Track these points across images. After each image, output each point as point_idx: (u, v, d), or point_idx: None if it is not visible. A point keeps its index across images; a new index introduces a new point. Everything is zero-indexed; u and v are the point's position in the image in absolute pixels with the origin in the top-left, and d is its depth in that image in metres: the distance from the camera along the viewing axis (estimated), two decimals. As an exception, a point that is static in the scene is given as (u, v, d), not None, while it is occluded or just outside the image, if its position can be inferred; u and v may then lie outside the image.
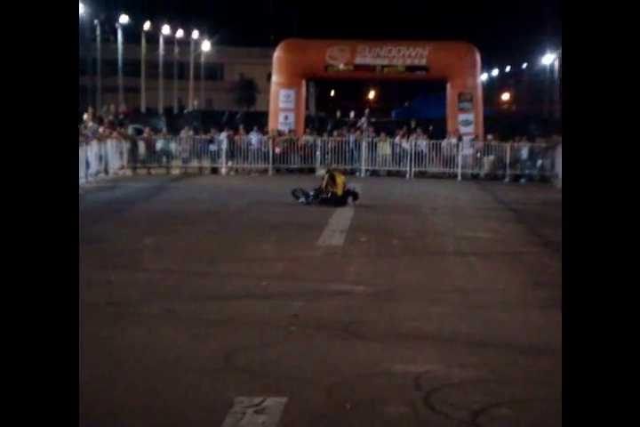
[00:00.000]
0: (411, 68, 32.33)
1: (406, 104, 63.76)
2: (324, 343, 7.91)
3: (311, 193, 20.24)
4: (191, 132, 31.50)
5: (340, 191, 20.18)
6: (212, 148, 30.45)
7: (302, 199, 20.18)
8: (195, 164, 30.92)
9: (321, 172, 21.70)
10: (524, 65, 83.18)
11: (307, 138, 31.21)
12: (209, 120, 37.28)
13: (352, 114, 36.14)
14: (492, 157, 29.59)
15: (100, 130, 29.33)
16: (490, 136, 30.15)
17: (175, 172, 30.33)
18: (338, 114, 39.24)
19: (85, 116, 31.91)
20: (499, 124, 33.37)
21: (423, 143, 30.18)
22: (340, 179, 20.51)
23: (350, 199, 20.21)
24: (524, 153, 29.36)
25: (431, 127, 33.00)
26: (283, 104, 32.65)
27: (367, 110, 40.07)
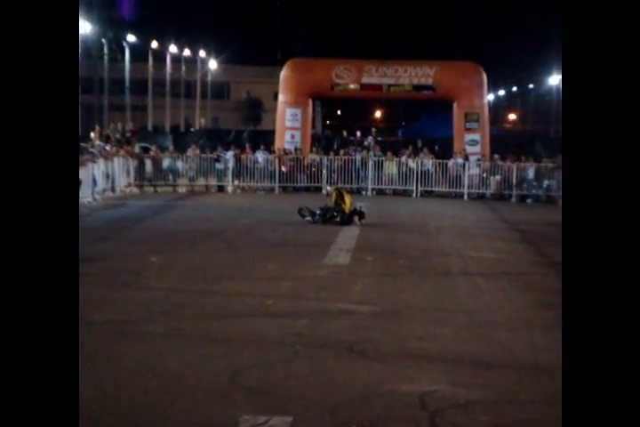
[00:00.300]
0: (417, 88, 32.44)
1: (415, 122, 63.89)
2: (330, 363, 7.91)
3: (317, 211, 20.27)
4: (198, 151, 31.59)
5: (347, 210, 20.21)
6: (219, 166, 30.53)
7: (308, 217, 20.20)
8: (201, 182, 31.00)
9: (328, 189, 21.74)
10: (531, 85, 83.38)
11: (313, 157, 31.28)
12: (215, 138, 37.45)
13: (358, 133, 36.25)
14: (498, 177, 29.62)
15: (107, 148, 29.44)
16: (497, 156, 30.18)
17: (182, 190, 30.39)
18: (344, 133, 39.36)
19: (92, 135, 32.04)
20: (505, 144, 33.46)
21: (429, 163, 30.22)
22: (348, 198, 20.56)
23: (356, 218, 20.23)
24: (531, 173, 29.38)
25: (437, 147, 33.10)
26: (289, 123, 32.76)
27: (374, 129, 40.21)
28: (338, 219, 20.00)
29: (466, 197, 29.44)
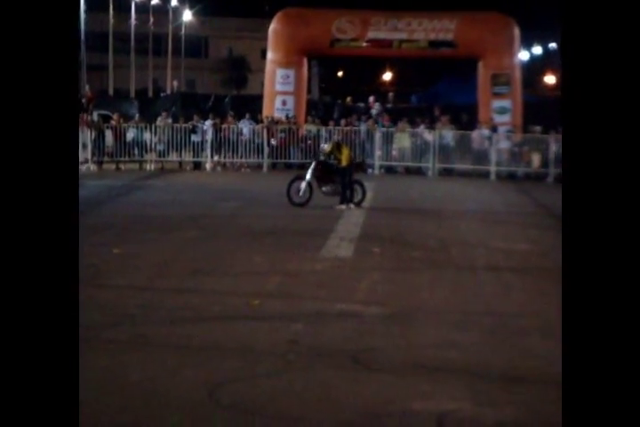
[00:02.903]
0: (434, 44, 32.43)
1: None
2: (329, 375, 7.92)
3: (308, 176, 20.35)
4: (169, 120, 31.59)
5: (345, 162, 20.38)
6: (195, 138, 30.55)
7: (301, 195, 20.20)
8: (174, 157, 31.02)
9: (324, 145, 22.01)
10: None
11: (309, 127, 31.28)
12: (191, 105, 37.40)
13: (371, 99, 36.10)
14: (534, 153, 29.63)
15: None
16: (538, 127, 30.08)
17: (150, 167, 30.41)
18: (348, 99, 39.30)
19: None
20: (541, 112, 33.43)
21: (449, 134, 30.24)
22: (346, 149, 20.86)
23: (352, 205, 20.22)
24: (572, 147, 29.38)
25: (459, 116, 33.08)
26: (280, 86, 32.79)
27: (390, 94, 40.12)
28: (328, 188, 20.22)
29: (493, 176, 29.46)
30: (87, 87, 38.68)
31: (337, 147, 21.00)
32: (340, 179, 20.30)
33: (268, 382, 7.70)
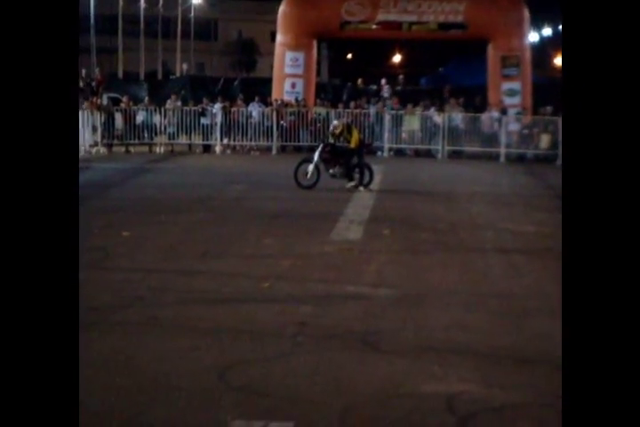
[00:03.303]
0: (444, 26, 32.30)
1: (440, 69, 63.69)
2: (338, 357, 7.92)
3: (315, 158, 20.34)
4: (179, 103, 31.54)
5: (354, 144, 20.39)
6: (205, 121, 30.51)
7: (309, 177, 20.17)
8: (183, 140, 30.98)
9: (335, 122, 21.99)
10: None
11: (318, 110, 31.22)
12: (200, 88, 37.36)
13: (383, 81, 35.93)
14: (544, 134, 29.53)
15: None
16: (549, 108, 29.91)
17: (159, 150, 30.39)
18: (359, 81, 39.13)
19: None
20: (552, 94, 33.25)
21: (459, 117, 30.16)
22: (356, 132, 20.88)
23: (361, 187, 20.22)
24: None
25: (469, 98, 32.96)
26: (289, 69, 32.69)
27: (401, 77, 39.96)
28: (335, 170, 20.21)
29: (502, 158, 29.40)
30: (97, 70, 38.57)
31: (347, 128, 20.96)
32: (347, 160, 20.28)
33: (277, 364, 7.70)
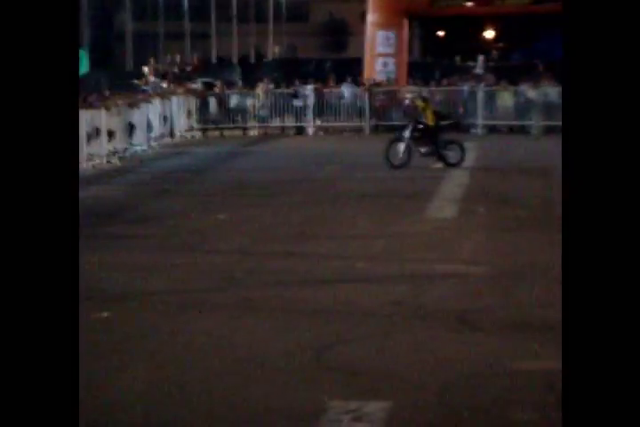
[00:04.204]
0: (538, 0, 31.82)
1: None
2: (434, 336, 7.87)
3: (406, 136, 20.23)
4: (271, 86, 31.64)
5: (431, 122, 20.24)
6: (297, 103, 30.55)
7: (400, 157, 20.05)
8: (276, 123, 31.08)
9: (408, 96, 22.01)
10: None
11: (411, 88, 31.01)
12: (292, 70, 37.43)
13: (481, 58, 35.46)
14: None
15: (164, 85, 29.69)
16: None
17: (253, 133, 30.53)
18: (458, 58, 38.73)
19: (146, 70, 32.34)
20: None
21: (554, 91, 29.66)
22: (429, 109, 20.80)
23: (452, 161, 20.05)
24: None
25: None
26: (381, 48, 32.58)
27: (494, 52, 39.35)
28: (426, 149, 20.08)
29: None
30: (193, 56, 38.87)
31: (426, 103, 20.99)
32: (432, 139, 20.14)
33: (373, 344, 7.67)
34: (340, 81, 31.57)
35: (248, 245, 11.96)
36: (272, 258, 11.20)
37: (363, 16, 37.58)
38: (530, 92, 29.76)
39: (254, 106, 30.73)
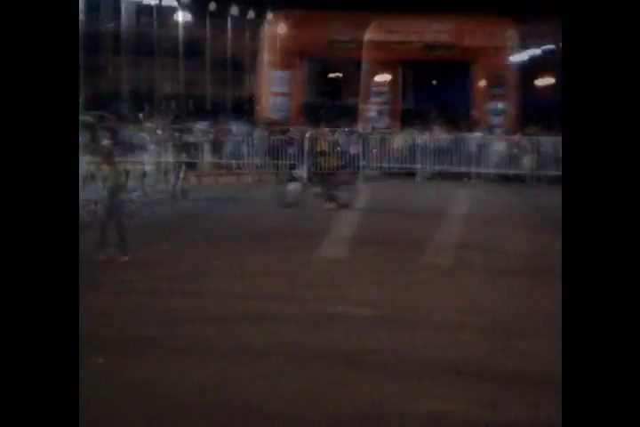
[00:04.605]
0: (432, 47, 32.50)
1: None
2: (322, 377, 7.86)
3: (300, 174, 20.52)
4: (167, 121, 31.33)
5: (330, 164, 20.51)
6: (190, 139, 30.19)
7: (294, 195, 20.22)
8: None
9: (308, 134, 22.34)
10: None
11: (305, 129, 31.13)
12: (186, 106, 37.20)
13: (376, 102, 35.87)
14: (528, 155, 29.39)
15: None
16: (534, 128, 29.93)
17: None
18: (353, 100, 39.11)
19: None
20: (540, 114, 33.31)
21: (444, 137, 30.06)
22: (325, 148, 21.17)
23: (333, 204, 20.26)
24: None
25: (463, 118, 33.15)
26: (276, 88, 32.85)
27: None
28: (319, 190, 20.26)
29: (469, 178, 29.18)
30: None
31: (329, 147, 21.29)
32: (327, 181, 20.45)
33: (259, 383, 7.63)
34: (236, 118, 31.61)
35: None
36: (152, 296, 11.05)
37: (255, 55, 37.84)
38: (420, 138, 30.09)
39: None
